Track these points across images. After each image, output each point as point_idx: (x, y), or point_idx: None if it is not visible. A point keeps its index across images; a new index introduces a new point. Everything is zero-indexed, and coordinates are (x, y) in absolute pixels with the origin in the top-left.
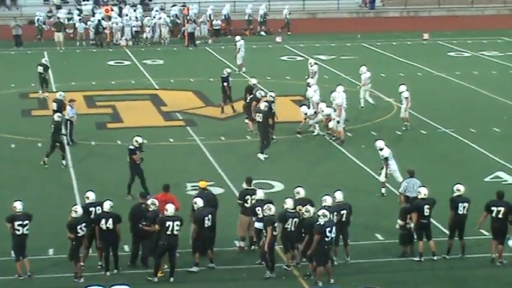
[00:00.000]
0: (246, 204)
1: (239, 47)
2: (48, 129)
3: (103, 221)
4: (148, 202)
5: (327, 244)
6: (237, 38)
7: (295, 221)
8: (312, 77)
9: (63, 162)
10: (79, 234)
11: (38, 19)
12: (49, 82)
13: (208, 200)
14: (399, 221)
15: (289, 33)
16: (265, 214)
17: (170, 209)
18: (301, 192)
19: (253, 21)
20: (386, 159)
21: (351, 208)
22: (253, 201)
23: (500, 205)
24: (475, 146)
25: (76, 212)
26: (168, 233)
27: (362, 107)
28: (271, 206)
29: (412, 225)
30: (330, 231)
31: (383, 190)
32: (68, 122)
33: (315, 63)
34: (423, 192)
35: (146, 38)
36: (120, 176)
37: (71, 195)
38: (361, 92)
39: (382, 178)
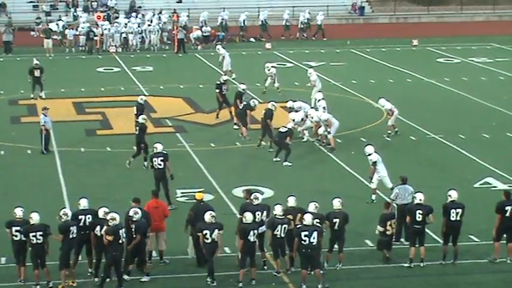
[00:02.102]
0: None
1: (223, 55)
2: (38, 135)
3: (98, 228)
4: (108, 217)
5: (305, 248)
6: (218, 47)
7: (285, 227)
8: (273, 81)
9: (145, 163)
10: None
11: (64, 25)
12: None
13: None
14: (379, 227)
15: (324, 39)
16: (243, 222)
17: (117, 217)
18: (289, 201)
19: (291, 26)
20: (374, 163)
21: (347, 217)
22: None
23: None
24: (464, 152)
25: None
26: (120, 242)
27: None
28: (247, 214)
29: (390, 232)
30: (307, 236)
31: (373, 197)
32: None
33: (272, 67)
34: (419, 198)
35: (136, 44)
36: (109, 182)
37: (61, 201)
38: (313, 93)
39: (373, 185)
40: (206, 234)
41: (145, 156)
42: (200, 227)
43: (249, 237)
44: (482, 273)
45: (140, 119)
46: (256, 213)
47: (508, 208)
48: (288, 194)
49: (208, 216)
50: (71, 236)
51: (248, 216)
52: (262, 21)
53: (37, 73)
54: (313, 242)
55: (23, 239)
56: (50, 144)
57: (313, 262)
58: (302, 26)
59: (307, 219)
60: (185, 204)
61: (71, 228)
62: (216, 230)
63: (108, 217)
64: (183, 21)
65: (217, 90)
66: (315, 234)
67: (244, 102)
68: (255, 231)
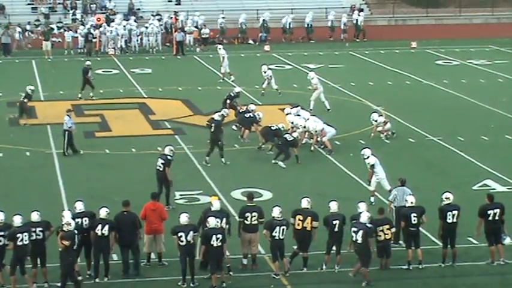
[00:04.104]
0: (246, 221)
1: (223, 55)
2: (37, 137)
3: (99, 227)
4: (64, 221)
5: (353, 244)
6: (219, 46)
7: (283, 229)
8: (268, 83)
9: (222, 160)
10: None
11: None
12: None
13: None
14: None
15: (364, 40)
16: (206, 227)
17: (73, 223)
18: (303, 203)
19: (335, 28)
20: (372, 166)
21: (344, 219)
22: (253, 219)
23: (496, 207)
24: (463, 154)
25: None
26: (74, 247)
27: (329, 109)
28: (210, 219)
29: (382, 238)
30: (355, 232)
31: (372, 199)
32: (66, 132)
33: (269, 69)
34: (410, 200)
35: (135, 46)
36: (108, 184)
37: (59, 203)
38: (314, 96)
39: (371, 187)
40: (181, 236)
41: (221, 153)
42: (175, 230)
43: (211, 242)
44: (481, 275)
45: (216, 116)
46: (216, 219)
47: (490, 212)
48: (286, 196)
49: (184, 218)
50: (20, 243)
51: (211, 221)
52: (307, 24)
53: (90, 73)
54: (357, 240)
55: (6, 243)
56: (65, 147)
57: (359, 259)
58: (345, 28)
59: (362, 217)
60: (184, 206)
61: (18, 235)
62: (191, 232)
63: (64, 222)
64: (195, 21)
65: (228, 101)
66: (360, 232)
67: (251, 115)
68: (218, 235)
